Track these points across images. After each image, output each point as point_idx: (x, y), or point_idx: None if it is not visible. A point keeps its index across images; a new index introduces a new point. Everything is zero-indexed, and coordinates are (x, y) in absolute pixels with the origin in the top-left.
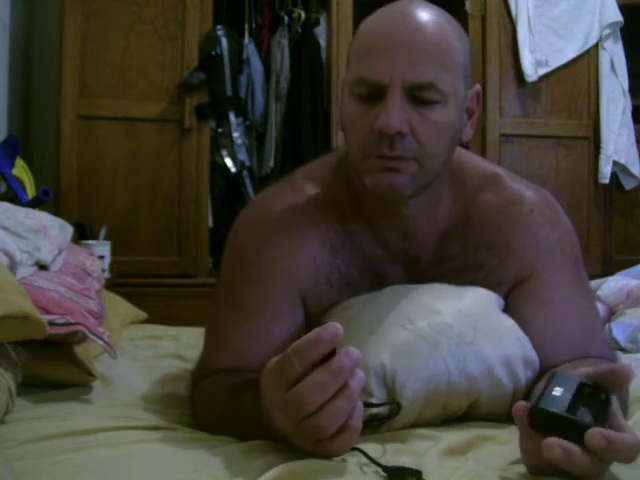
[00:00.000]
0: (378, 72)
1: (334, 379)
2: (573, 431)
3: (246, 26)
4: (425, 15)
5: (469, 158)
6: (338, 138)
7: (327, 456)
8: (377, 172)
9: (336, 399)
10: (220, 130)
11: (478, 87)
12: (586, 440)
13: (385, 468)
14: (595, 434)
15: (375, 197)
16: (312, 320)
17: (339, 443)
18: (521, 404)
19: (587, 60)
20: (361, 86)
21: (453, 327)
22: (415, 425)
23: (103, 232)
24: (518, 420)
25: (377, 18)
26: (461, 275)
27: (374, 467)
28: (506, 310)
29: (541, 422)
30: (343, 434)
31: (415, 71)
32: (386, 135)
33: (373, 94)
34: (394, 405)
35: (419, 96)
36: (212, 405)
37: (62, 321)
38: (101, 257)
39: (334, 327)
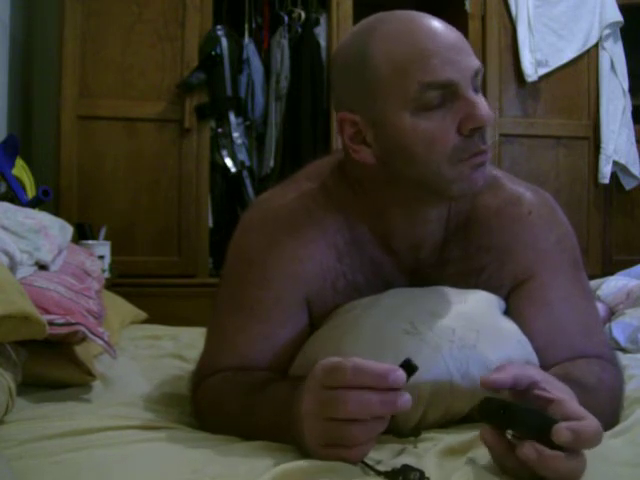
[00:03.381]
0: (447, 72)
1: (381, 408)
2: (525, 424)
3: (246, 26)
4: (436, 19)
5: None
6: (338, 138)
7: (329, 460)
8: (471, 173)
9: (375, 422)
10: (220, 130)
11: None
12: (554, 436)
13: (386, 474)
14: (561, 429)
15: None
16: (317, 322)
17: (356, 453)
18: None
19: (587, 60)
20: (432, 91)
21: (455, 331)
22: (417, 427)
23: (103, 232)
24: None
25: (409, 27)
26: (463, 279)
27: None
28: (506, 311)
29: (492, 411)
30: (362, 446)
31: (473, 60)
32: (480, 128)
33: (439, 101)
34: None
35: (476, 81)
36: (220, 403)
37: (62, 321)
38: (101, 257)
39: (402, 377)
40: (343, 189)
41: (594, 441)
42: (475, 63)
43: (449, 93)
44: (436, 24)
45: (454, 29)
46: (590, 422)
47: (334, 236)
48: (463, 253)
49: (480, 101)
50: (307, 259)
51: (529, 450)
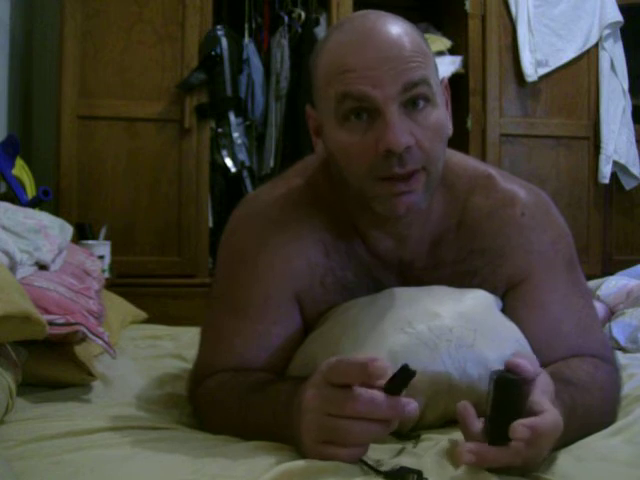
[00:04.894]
0: (361, 86)
1: (388, 410)
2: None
3: (246, 26)
4: (394, 27)
5: (458, 159)
6: None
7: (325, 459)
8: (392, 197)
9: (378, 425)
10: (220, 130)
11: (444, 79)
12: (511, 435)
13: (385, 474)
14: (517, 427)
15: (379, 217)
16: (310, 322)
17: (351, 453)
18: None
19: (587, 60)
20: (348, 102)
21: (453, 330)
22: (416, 427)
23: (103, 232)
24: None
25: (346, 39)
26: (455, 282)
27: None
28: (502, 312)
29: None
30: (358, 448)
31: (405, 72)
32: (394, 153)
33: (362, 112)
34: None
35: (415, 95)
36: (220, 403)
37: (62, 321)
38: (101, 257)
39: (382, 365)
40: (328, 185)
41: (550, 435)
42: (406, 77)
43: (371, 109)
44: (384, 38)
45: (409, 43)
46: (546, 416)
47: (321, 232)
48: (455, 256)
49: (398, 123)
50: (295, 255)
51: (468, 457)
